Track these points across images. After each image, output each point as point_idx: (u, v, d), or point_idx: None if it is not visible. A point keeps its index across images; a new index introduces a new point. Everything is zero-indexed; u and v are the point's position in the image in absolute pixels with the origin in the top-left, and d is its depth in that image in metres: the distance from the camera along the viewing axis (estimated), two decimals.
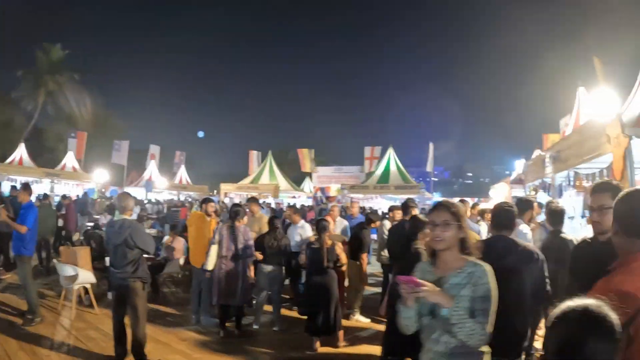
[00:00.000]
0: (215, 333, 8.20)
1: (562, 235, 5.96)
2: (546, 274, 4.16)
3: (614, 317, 1.60)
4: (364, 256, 9.38)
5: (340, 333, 7.73)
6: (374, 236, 11.46)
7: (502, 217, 4.52)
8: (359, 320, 9.23)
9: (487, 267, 2.97)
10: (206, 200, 10.04)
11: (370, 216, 10.45)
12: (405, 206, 8.59)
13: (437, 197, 35.22)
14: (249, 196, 26.33)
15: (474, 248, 3.06)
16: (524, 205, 6.92)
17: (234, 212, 8.49)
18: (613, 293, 1.89)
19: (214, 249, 8.26)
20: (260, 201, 23.50)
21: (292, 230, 10.39)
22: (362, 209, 10.75)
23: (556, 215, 6.29)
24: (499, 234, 4.43)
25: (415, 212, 8.31)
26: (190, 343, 7.75)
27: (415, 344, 3.15)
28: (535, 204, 7.56)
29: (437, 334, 2.98)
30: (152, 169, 35.08)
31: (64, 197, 20.13)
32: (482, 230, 8.87)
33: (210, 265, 8.25)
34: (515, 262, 3.96)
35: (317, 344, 7.50)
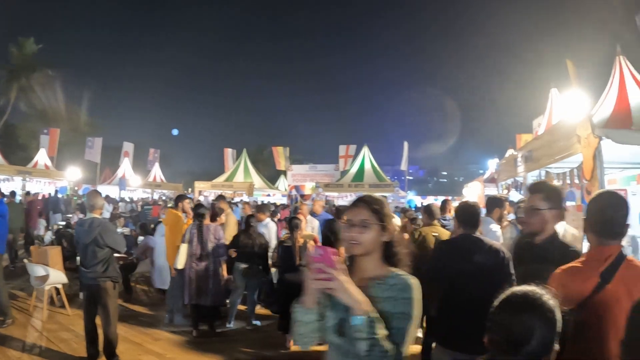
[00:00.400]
0: (188, 333, 8.17)
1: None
2: (512, 271, 4.22)
3: (551, 300, 1.86)
4: (342, 250, 9.27)
5: None
6: None
7: (467, 216, 4.58)
8: None
9: (413, 280, 2.46)
10: (181, 198, 9.98)
11: (341, 209, 10.44)
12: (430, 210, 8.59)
13: (411, 196, 35.46)
14: (223, 194, 26.47)
15: (403, 255, 2.57)
16: (493, 203, 7.01)
17: (198, 213, 8.45)
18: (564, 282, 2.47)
19: (183, 248, 8.22)
20: (237, 199, 23.48)
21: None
22: (335, 207, 10.73)
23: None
24: (465, 233, 4.49)
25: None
26: (164, 343, 7.72)
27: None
28: (505, 203, 7.64)
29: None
30: (125, 166, 34.70)
31: (27, 193, 19.95)
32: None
33: (180, 264, 8.22)
34: (481, 261, 4.00)
35: (291, 342, 7.50)
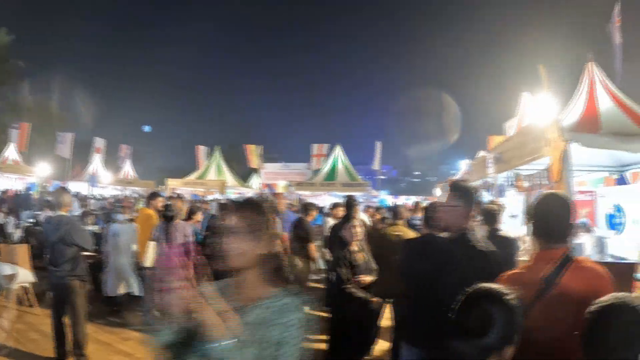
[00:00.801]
0: None
1: (500, 233, 6.11)
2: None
3: (513, 296, 1.94)
4: (312, 246, 9.36)
5: None
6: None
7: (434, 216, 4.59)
8: None
9: (297, 302, 2.13)
10: (154, 195, 9.90)
11: (307, 206, 10.45)
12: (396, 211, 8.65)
13: (384, 195, 35.61)
14: (194, 192, 26.30)
15: (291, 271, 2.24)
16: None
17: (166, 215, 8.38)
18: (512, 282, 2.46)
19: (151, 246, 8.16)
20: (210, 197, 23.36)
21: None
22: (304, 206, 10.78)
23: (490, 216, 6.44)
24: (432, 233, 4.51)
25: (358, 210, 8.43)
26: (133, 343, 7.64)
27: (362, 345, 3.15)
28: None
29: None
30: (96, 162, 34.21)
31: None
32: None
33: (148, 262, 8.16)
34: (444, 260, 4.05)
35: None
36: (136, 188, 36.40)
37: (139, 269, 8.57)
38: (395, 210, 8.13)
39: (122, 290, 9.20)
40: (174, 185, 27.44)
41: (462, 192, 3.56)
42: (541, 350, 2.39)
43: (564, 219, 2.75)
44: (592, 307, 1.92)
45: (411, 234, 6.83)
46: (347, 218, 6.84)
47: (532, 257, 2.79)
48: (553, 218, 2.75)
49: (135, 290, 9.09)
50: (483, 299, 1.93)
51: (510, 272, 2.85)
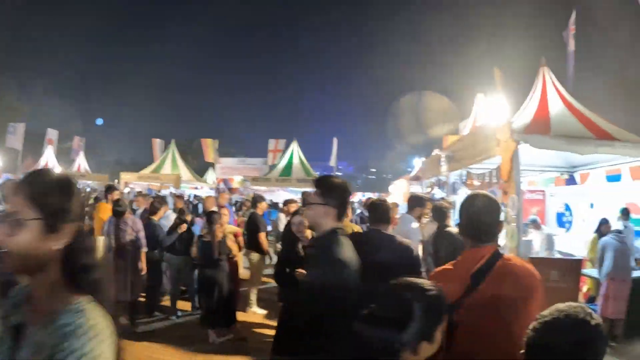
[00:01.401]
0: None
1: (448, 229, 6.22)
2: (421, 267, 4.41)
3: (434, 289, 1.93)
4: (262, 235, 9.44)
5: (237, 325, 7.76)
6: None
7: (378, 212, 4.75)
8: (256, 312, 9.27)
9: (96, 322, 1.50)
10: (110, 189, 9.80)
11: (256, 199, 10.52)
12: (305, 200, 8.73)
13: None
14: (150, 186, 25.93)
15: (96, 273, 1.66)
16: (415, 202, 7.21)
17: (116, 211, 8.28)
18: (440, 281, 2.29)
19: (100, 241, 8.06)
20: (166, 192, 23.07)
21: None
22: (253, 199, 10.85)
23: (440, 213, 6.55)
24: (375, 229, 4.69)
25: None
26: None
27: (307, 343, 3.09)
28: (426, 202, 7.84)
29: None
30: (49, 155, 33.29)
31: None
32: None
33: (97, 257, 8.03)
34: (389, 256, 4.12)
35: (214, 336, 7.49)
36: (89, 182, 35.67)
37: None
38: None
39: None
40: (128, 179, 26.92)
41: (327, 188, 3.29)
42: (468, 346, 2.40)
43: (491, 219, 2.79)
44: (535, 323, 1.87)
45: (356, 229, 6.92)
46: (296, 213, 6.85)
47: (462, 255, 2.82)
48: (480, 218, 2.77)
49: None
50: (405, 291, 1.93)
51: (439, 269, 2.94)
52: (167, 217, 10.01)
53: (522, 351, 1.88)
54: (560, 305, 1.84)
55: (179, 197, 14.96)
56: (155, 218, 9.12)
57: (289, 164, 23.87)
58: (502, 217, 2.85)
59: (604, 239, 8.47)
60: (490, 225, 2.76)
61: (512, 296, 2.53)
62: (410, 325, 1.82)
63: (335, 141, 30.88)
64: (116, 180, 28.67)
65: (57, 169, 31.87)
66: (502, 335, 2.43)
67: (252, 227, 9.55)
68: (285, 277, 5.70)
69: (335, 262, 2.98)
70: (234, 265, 8.28)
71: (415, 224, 6.71)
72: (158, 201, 10.02)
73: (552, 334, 1.76)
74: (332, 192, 3.25)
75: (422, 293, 1.91)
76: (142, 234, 8.20)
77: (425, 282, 2.02)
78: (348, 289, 2.84)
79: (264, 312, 9.25)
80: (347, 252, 3.10)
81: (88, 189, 29.69)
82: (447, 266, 2.83)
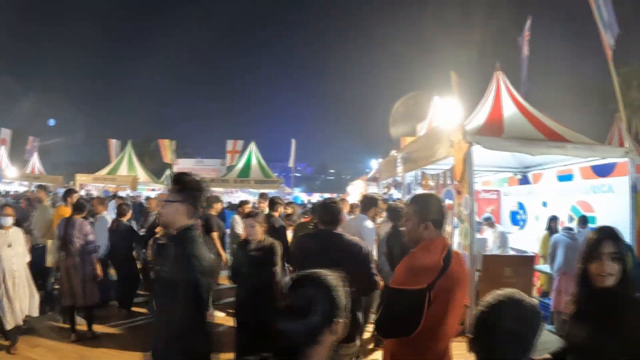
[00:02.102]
0: (67, 337, 7.83)
1: (402, 229, 6.33)
2: (371, 265, 4.52)
3: (334, 279, 2.08)
4: (214, 235, 9.37)
5: None
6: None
7: (328, 213, 4.86)
8: (214, 315, 9.25)
9: None
10: (70, 192, 9.65)
11: (211, 199, 10.53)
12: (273, 202, 8.77)
13: (298, 192, 35.77)
14: (106, 187, 25.59)
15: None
16: (369, 202, 7.33)
17: (76, 206, 8.17)
18: (417, 267, 2.90)
19: (50, 244, 7.90)
20: (124, 193, 22.81)
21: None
22: (208, 199, 10.89)
23: (395, 213, 6.65)
24: (326, 229, 4.80)
25: (281, 209, 8.59)
26: (42, 350, 7.37)
27: (267, 340, 3.12)
28: (380, 202, 7.96)
29: None
30: (1, 155, 32.59)
31: None
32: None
33: (48, 261, 7.90)
34: (340, 255, 4.22)
35: None
36: (44, 183, 34.77)
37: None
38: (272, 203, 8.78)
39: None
40: (83, 180, 26.42)
41: (183, 185, 3.26)
42: (438, 320, 2.86)
43: (445, 210, 3.18)
44: (481, 307, 2.15)
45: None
46: (249, 215, 6.88)
47: (432, 242, 3.07)
48: (443, 209, 3.18)
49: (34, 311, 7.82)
50: (306, 282, 2.07)
51: (413, 256, 3.12)
52: (102, 218, 9.77)
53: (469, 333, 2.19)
54: (500, 291, 2.18)
55: (120, 198, 14.86)
56: (124, 219, 9.05)
57: (247, 165, 23.77)
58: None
59: (556, 235, 8.70)
60: (445, 216, 3.17)
61: (464, 277, 3.16)
62: (315, 311, 1.98)
63: (293, 142, 30.96)
64: (71, 182, 28.18)
65: (10, 169, 31.30)
66: (459, 309, 3.02)
67: (205, 228, 9.56)
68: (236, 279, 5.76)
69: (189, 259, 3.05)
70: None
71: (369, 223, 6.80)
72: (99, 202, 9.97)
73: (498, 314, 2.05)
74: (186, 189, 3.25)
75: (319, 282, 2.06)
76: (90, 238, 7.94)
77: (325, 274, 2.12)
78: (201, 285, 2.96)
79: (222, 314, 9.22)
80: (201, 248, 3.19)
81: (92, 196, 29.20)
82: (424, 251, 3.04)
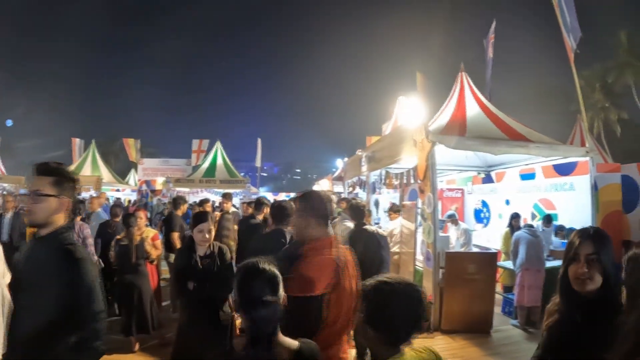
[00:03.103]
0: None
1: (365, 227, 6.36)
2: None
3: (273, 268, 2.27)
4: (174, 235, 9.36)
5: (161, 330, 7.61)
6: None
7: (279, 212, 5.26)
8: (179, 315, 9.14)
9: None
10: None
11: (177, 200, 10.49)
12: (259, 203, 8.74)
13: (263, 192, 35.67)
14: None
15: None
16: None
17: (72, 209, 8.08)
18: (314, 272, 2.92)
19: None
20: (85, 195, 22.40)
21: None
22: (174, 200, 10.83)
23: (357, 211, 6.67)
24: (278, 227, 5.16)
25: (267, 210, 8.56)
26: None
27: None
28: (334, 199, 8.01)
29: None
30: None
31: None
32: None
33: None
34: (290, 252, 4.29)
35: (137, 344, 7.24)
36: (5, 185, 34.11)
37: None
38: (258, 203, 8.79)
39: None
40: None
41: (58, 176, 2.85)
42: (340, 314, 2.97)
43: (330, 210, 3.26)
44: (368, 290, 2.26)
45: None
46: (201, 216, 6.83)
47: (323, 241, 3.16)
48: (328, 209, 3.25)
49: None
50: (252, 272, 2.27)
51: (319, 257, 3.17)
52: None
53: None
54: (379, 277, 2.30)
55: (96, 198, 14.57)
56: (117, 220, 8.96)
57: (213, 164, 23.55)
58: None
59: (518, 233, 8.81)
60: (330, 215, 3.27)
61: (354, 272, 3.17)
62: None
63: (259, 141, 30.90)
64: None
65: None
66: (352, 300, 2.99)
67: (167, 228, 9.52)
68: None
69: (75, 262, 2.68)
70: (154, 269, 8.10)
71: None
72: (96, 199, 9.88)
73: (385, 295, 2.17)
74: (66, 183, 2.86)
75: (265, 275, 2.26)
76: (89, 241, 8.02)
77: (265, 264, 2.30)
78: (90, 285, 2.67)
79: None
80: (83, 251, 2.81)
81: (4, 192, 28.58)
82: (312, 256, 3.07)
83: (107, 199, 18.86)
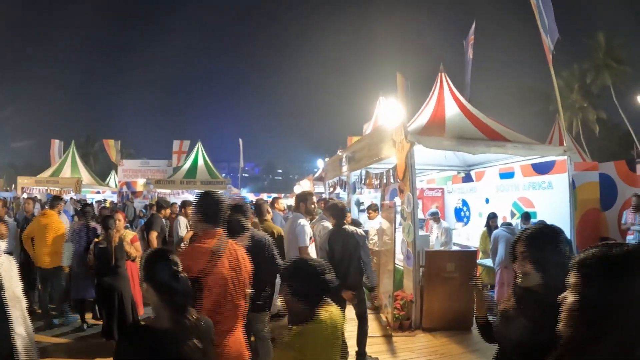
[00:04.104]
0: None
1: (344, 227, 6.39)
2: (275, 253, 5.42)
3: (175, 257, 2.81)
4: (152, 234, 9.33)
5: None
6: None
7: (239, 211, 5.48)
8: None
9: None
10: (57, 199, 9.44)
11: (162, 203, 10.50)
12: (258, 207, 8.71)
13: (245, 193, 35.65)
14: (49, 191, 24.91)
15: None
16: (299, 199, 7.40)
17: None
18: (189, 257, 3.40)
19: (64, 247, 7.97)
20: (66, 197, 22.21)
21: None
22: (157, 202, 10.80)
23: (338, 211, 6.69)
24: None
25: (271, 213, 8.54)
26: None
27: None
28: (312, 198, 8.04)
29: None
30: None
31: None
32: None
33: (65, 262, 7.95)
34: (252, 247, 4.67)
35: None
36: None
37: None
38: (237, 207, 8.62)
39: None
40: (25, 183, 25.44)
41: None
42: (215, 300, 3.40)
43: (221, 209, 3.78)
44: (286, 265, 2.95)
45: (276, 229, 7.15)
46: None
47: (202, 235, 3.71)
48: (216, 208, 3.76)
49: None
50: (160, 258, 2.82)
51: (189, 246, 4.09)
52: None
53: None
54: (295, 258, 3.27)
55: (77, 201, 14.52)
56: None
57: (194, 165, 23.41)
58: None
59: (496, 231, 8.91)
60: (221, 214, 3.78)
61: (242, 263, 3.73)
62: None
63: (241, 142, 30.87)
64: (13, 185, 27.40)
65: None
66: (242, 291, 3.67)
67: (146, 227, 9.54)
68: None
69: None
70: (135, 270, 8.05)
71: (303, 220, 6.83)
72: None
73: (302, 270, 2.82)
74: None
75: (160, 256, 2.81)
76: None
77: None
78: None
79: None
80: None
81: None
82: (197, 242, 3.67)
83: (65, 202, 18.57)
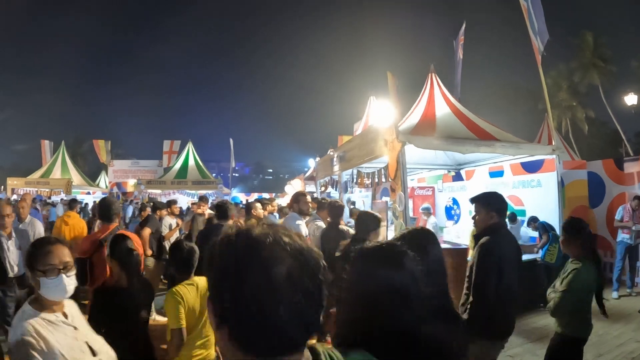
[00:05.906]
0: None
1: (339, 227, 6.47)
2: None
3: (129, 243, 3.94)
4: (145, 231, 9.31)
5: None
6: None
7: (220, 209, 6.46)
8: (157, 320, 9.17)
9: None
10: (74, 202, 9.48)
11: (157, 204, 10.55)
12: (248, 207, 8.74)
13: (236, 193, 35.64)
14: (39, 192, 24.81)
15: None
16: (293, 200, 7.50)
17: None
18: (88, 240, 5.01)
19: None
20: (56, 198, 22.12)
21: None
22: (153, 204, 10.86)
23: (335, 210, 6.77)
24: (218, 223, 6.50)
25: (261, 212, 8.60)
26: None
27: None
28: (305, 198, 8.11)
29: None
30: None
31: None
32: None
33: None
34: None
35: None
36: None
37: None
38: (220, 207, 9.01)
39: None
40: (15, 185, 25.14)
41: None
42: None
43: (116, 208, 5.08)
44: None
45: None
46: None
47: (100, 229, 5.05)
48: (108, 206, 5.07)
49: None
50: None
51: (86, 236, 5.45)
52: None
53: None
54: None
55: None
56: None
57: (185, 165, 23.34)
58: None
59: None
60: (115, 210, 5.05)
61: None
62: None
63: (232, 141, 30.83)
64: (2, 187, 27.19)
65: None
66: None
67: (141, 225, 9.55)
68: None
69: None
70: None
71: (299, 220, 6.91)
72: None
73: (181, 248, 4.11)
74: None
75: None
76: None
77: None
78: None
79: (165, 319, 9.12)
80: None
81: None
82: (96, 233, 5.08)
83: (35, 200, 18.31)
